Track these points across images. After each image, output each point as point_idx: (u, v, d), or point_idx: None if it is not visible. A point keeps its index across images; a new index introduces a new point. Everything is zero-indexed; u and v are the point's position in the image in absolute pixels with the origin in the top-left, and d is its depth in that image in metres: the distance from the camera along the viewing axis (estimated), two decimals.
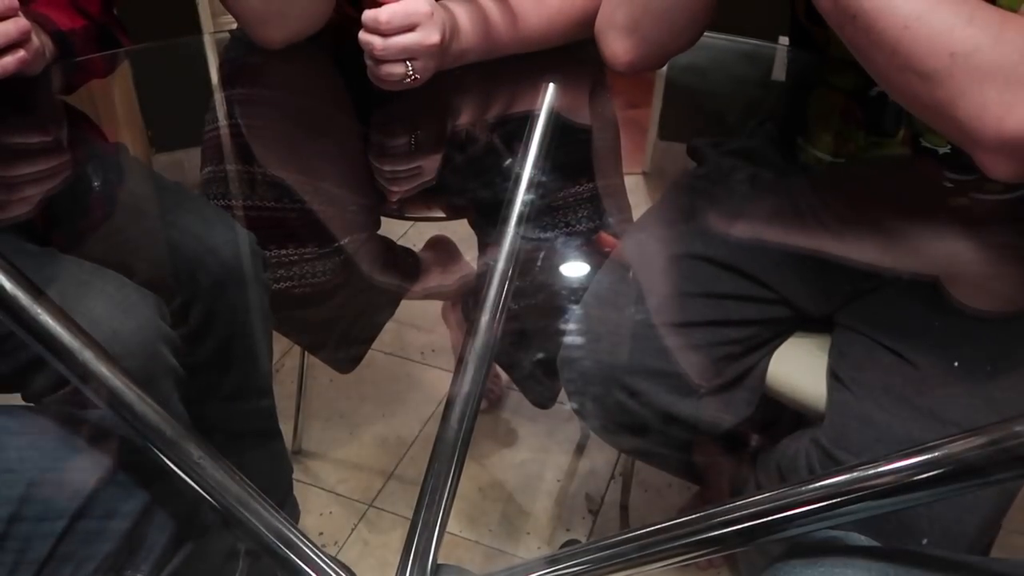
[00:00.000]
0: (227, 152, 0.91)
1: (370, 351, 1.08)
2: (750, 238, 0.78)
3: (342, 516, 1.23)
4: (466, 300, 1.27)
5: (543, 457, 1.32)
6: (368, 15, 0.77)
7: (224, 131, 0.93)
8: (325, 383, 1.45)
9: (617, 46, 0.77)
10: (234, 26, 0.91)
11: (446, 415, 0.54)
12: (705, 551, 0.45)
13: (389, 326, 1.09)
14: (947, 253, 0.72)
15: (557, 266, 0.89)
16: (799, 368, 0.80)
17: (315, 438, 1.35)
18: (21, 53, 0.71)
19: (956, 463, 0.39)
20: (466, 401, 0.54)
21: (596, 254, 0.89)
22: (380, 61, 0.78)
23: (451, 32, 0.81)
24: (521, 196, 0.68)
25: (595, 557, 0.45)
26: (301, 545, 0.46)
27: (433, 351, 1.52)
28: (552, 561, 0.46)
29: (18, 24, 0.71)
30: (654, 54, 0.77)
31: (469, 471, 1.29)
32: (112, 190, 0.83)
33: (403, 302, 1.10)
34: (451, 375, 0.56)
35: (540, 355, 0.94)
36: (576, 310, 0.80)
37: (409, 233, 1.57)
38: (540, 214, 0.86)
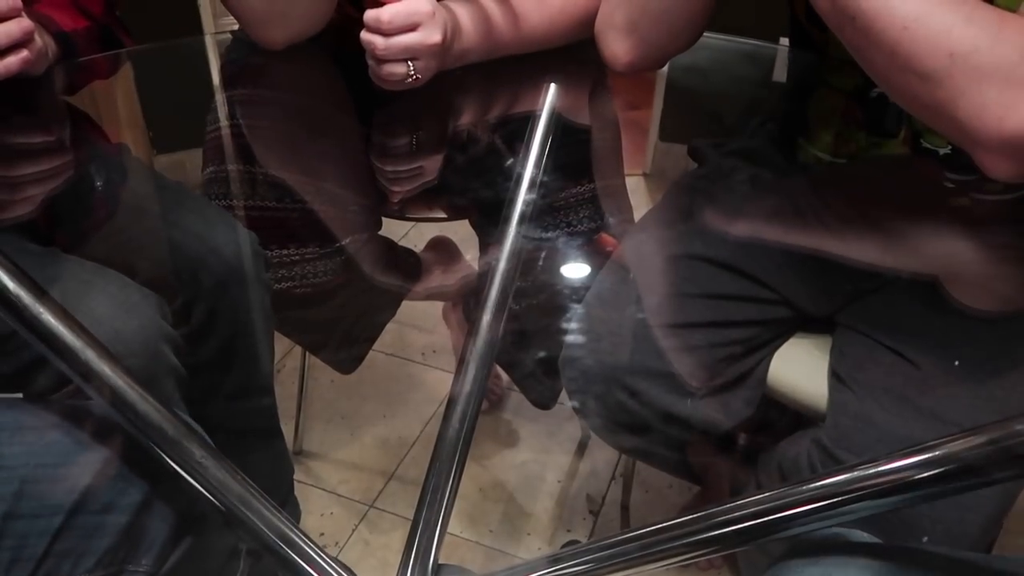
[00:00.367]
0: (229, 152, 0.91)
1: (371, 352, 1.08)
2: (751, 238, 0.78)
3: (343, 516, 1.23)
4: (467, 301, 1.27)
5: (544, 458, 1.32)
6: (370, 15, 0.77)
7: (226, 131, 0.93)
8: (326, 384, 1.45)
9: (617, 46, 0.77)
10: (236, 27, 0.91)
11: (447, 415, 0.54)
12: (706, 551, 0.45)
13: (390, 327, 1.09)
14: (948, 253, 0.72)
15: (558, 267, 0.89)
16: (800, 368, 0.80)
17: (316, 438, 1.35)
18: (24, 53, 0.72)
19: (956, 462, 0.39)
20: (467, 401, 0.54)
21: (597, 255, 0.89)
22: (382, 61, 0.78)
23: (453, 32, 0.81)
24: (522, 196, 0.68)
25: (596, 557, 0.45)
26: (302, 545, 0.46)
27: (434, 352, 1.52)
28: (553, 561, 0.46)
29: (21, 24, 0.71)
30: (653, 54, 0.77)
31: (470, 471, 1.29)
32: (114, 190, 0.83)
33: (404, 303, 1.10)
34: (452, 376, 0.56)
35: (541, 355, 0.94)
36: (577, 310, 0.80)
37: (410, 234, 1.57)
38: (541, 214, 0.86)
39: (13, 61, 0.71)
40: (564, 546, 0.48)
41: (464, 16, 0.83)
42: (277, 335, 0.91)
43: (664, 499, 1.26)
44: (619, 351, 0.77)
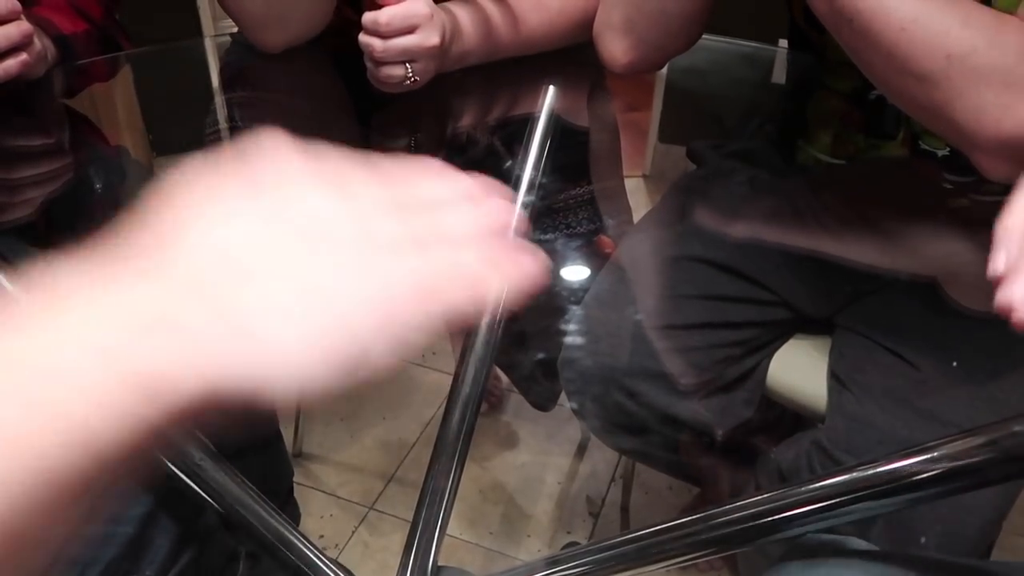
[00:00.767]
0: None
1: None
2: (750, 240, 0.79)
3: (343, 519, 1.23)
4: None
5: (544, 459, 1.32)
6: (368, 17, 0.77)
7: (225, 134, 0.93)
8: None
9: (615, 47, 0.77)
10: (235, 30, 0.91)
11: (446, 417, 0.54)
12: (705, 552, 0.45)
13: None
14: (946, 254, 0.72)
15: (557, 268, 0.89)
16: (799, 370, 0.80)
17: (316, 441, 1.35)
18: (23, 56, 0.72)
19: (955, 463, 0.39)
20: (466, 403, 0.54)
21: (596, 256, 0.89)
22: (380, 63, 0.78)
23: (451, 34, 0.81)
24: (521, 198, 0.68)
25: (596, 558, 0.45)
26: (302, 547, 0.46)
27: (434, 354, 1.52)
28: (553, 562, 0.46)
29: (20, 27, 0.71)
30: (651, 55, 0.77)
31: (470, 473, 1.29)
32: (114, 193, 0.83)
33: None
34: (451, 377, 0.56)
35: (540, 357, 0.94)
36: (576, 312, 0.80)
37: None
38: (540, 216, 0.86)
39: (12, 64, 0.71)
40: (564, 548, 0.48)
41: (463, 18, 0.83)
42: None
43: (664, 501, 1.26)
44: (618, 353, 0.77)
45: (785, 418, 0.87)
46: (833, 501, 0.41)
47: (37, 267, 0.26)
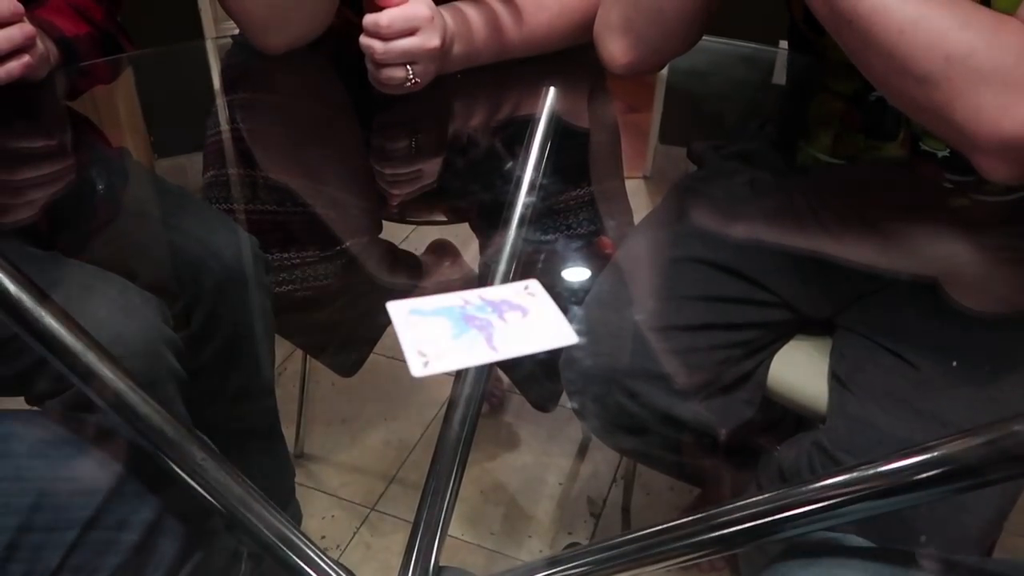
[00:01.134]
0: (229, 156, 0.92)
1: (372, 355, 1.08)
2: (751, 241, 0.79)
3: (344, 519, 1.23)
4: None
5: (545, 460, 1.32)
6: (369, 19, 0.77)
7: (226, 135, 0.93)
8: (327, 387, 1.45)
9: (614, 47, 0.77)
10: (236, 32, 0.92)
11: (448, 418, 0.54)
12: (706, 552, 0.45)
13: (391, 330, 1.09)
14: (947, 255, 0.72)
15: (558, 269, 0.89)
16: (800, 371, 0.80)
17: (317, 442, 1.35)
18: (26, 58, 0.72)
19: (955, 463, 0.39)
20: (468, 404, 0.54)
21: (597, 257, 0.89)
22: (381, 65, 0.79)
23: (452, 36, 0.81)
24: (522, 199, 0.68)
25: (597, 559, 0.46)
26: (304, 548, 0.46)
27: None
28: (554, 563, 0.46)
29: (23, 30, 0.71)
30: (651, 56, 0.77)
31: (471, 474, 1.29)
32: (115, 194, 0.84)
33: None
34: (453, 379, 0.56)
35: (541, 358, 0.94)
36: (577, 313, 0.80)
37: (411, 237, 1.57)
38: (541, 217, 0.86)
39: (15, 66, 0.71)
40: (565, 548, 0.48)
41: (463, 20, 0.83)
42: (278, 338, 0.91)
43: (665, 501, 1.26)
44: (619, 353, 0.77)
45: (786, 419, 0.87)
46: (834, 501, 0.41)
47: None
